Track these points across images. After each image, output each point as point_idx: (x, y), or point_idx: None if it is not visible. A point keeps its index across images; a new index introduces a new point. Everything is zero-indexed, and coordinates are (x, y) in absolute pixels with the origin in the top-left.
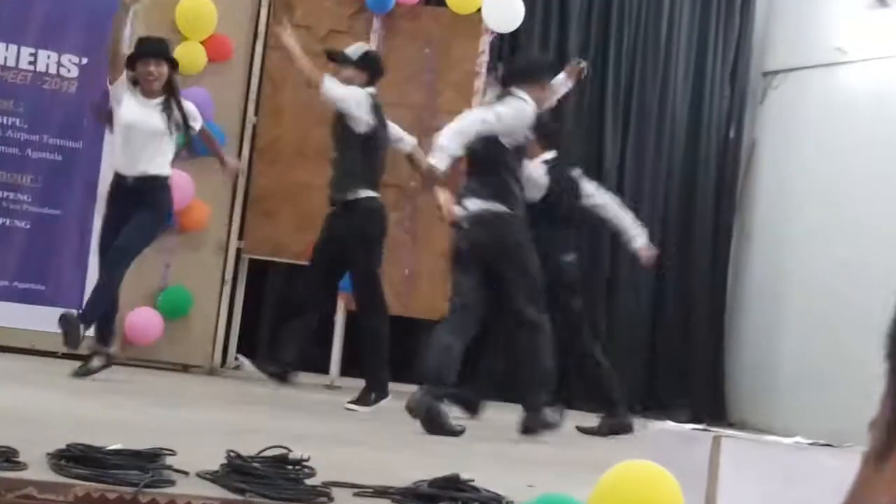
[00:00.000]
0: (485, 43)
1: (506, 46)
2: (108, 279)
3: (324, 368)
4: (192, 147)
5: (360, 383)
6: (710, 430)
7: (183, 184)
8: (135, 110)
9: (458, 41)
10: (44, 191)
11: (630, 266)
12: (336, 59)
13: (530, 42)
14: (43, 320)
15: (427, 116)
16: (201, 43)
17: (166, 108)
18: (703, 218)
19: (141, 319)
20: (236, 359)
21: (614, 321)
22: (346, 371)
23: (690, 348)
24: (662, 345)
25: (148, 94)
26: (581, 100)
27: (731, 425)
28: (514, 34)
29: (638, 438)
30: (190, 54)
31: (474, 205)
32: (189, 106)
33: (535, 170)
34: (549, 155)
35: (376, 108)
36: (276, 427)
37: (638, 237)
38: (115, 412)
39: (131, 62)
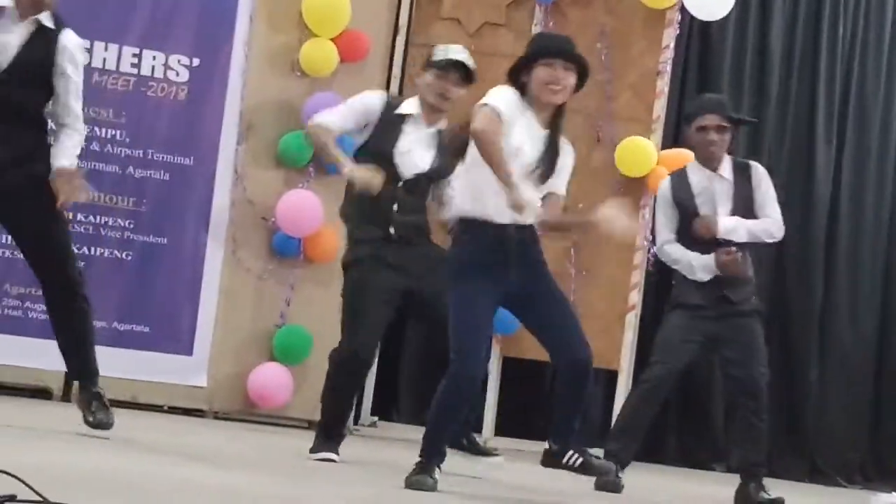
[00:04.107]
0: (669, 36)
1: (695, 41)
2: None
3: (476, 427)
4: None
5: (519, 444)
6: None
7: (310, 206)
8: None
9: (637, 34)
10: (149, 216)
11: (849, 298)
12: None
13: (724, 36)
14: (147, 368)
15: (602, 123)
16: (332, 40)
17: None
18: None
19: (267, 378)
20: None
21: (827, 364)
22: (501, 430)
23: None
24: (888, 395)
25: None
26: (786, 107)
27: None
28: (706, 27)
29: None
30: (319, 53)
31: None
32: None
33: None
34: None
35: None
36: (424, 498)
37: None
38: (233, 479)
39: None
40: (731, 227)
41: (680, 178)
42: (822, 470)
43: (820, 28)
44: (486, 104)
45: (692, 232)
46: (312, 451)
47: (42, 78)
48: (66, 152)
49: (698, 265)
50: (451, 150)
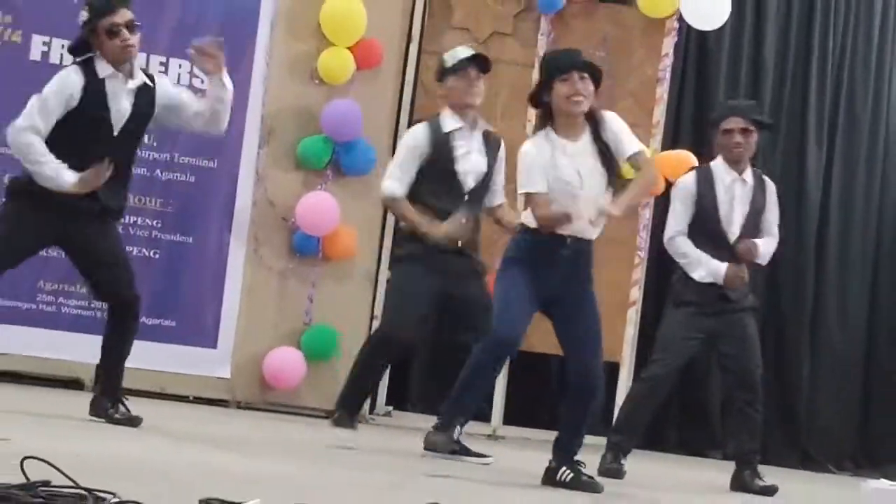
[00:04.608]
0: (669, 45)
1: (692, 50)
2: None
3: (484, 416)
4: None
5: (526, 433)
6: None
7: (328, 206)
8: None
9: (637, 43)
10: (175, 216)
11: (838, 298)
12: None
13: (720, 45)
14: (174, 360)
15: None
16: (348, 49)
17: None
18: None
19: (282, 360)
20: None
21: (819, 363)
22: (510, 420)
23: None
24: (876, 391)
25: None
26: (778, 113)
27: None
28: (703, 37)
29: (849, 499)
30: (336, 61)
31: None
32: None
33: None
34: None
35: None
36: (433, 482)
37: None
38: (254, 464)
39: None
40: (765, 253)
41: (705, 174)
42: (813, 458)
43: (811, 38)
44: (530, 193)
45: (736, 252)
46: (336, 422)
47: (144, 130)
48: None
49: (707, 268)
50: None
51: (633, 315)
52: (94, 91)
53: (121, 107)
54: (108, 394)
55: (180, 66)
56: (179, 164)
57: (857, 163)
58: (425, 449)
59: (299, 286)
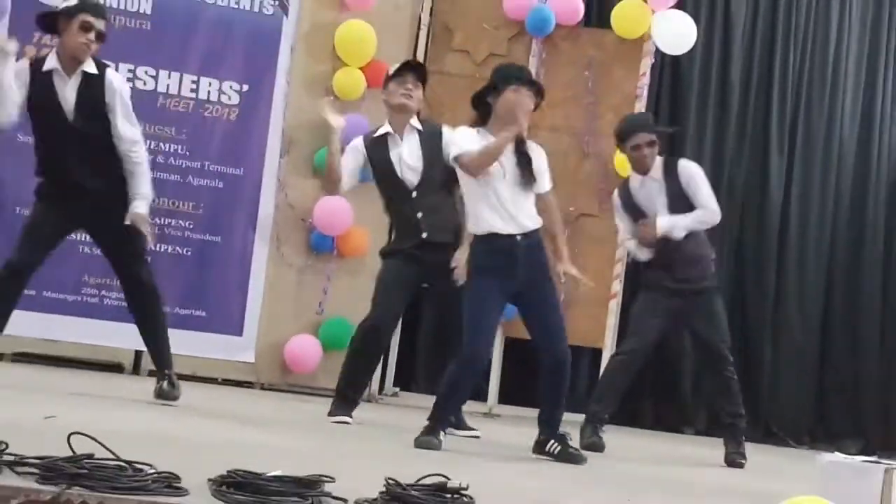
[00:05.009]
0: (646, 65)
1: (667, 70)
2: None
3: (482, 396)
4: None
5: (519, 411)
6: (882, 463)
7: (342, 209)
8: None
9: (618, 64)
10: (205, 218)
11: (797, 289)
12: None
13: (692, 66)
14: (204, 347)
15: (589, 139)
16: (360, 69)
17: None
18: (874, 247)
19: (301, 347)
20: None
21: (780, 350)
22: (504, 399)
23: (861, 377)
24: (830, 375)
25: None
26: (744, 125)
27: None
28: (676, 57)
29: (807, 470)
30: (349, 80)
31: None
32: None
33: None
34: None
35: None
36: (436, 455)
37: None
38: (276, 439)
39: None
40: (668, 226)
41: (624, 188)
42: (774, 433)
43: (773, 60)
44: (459, 154)
45: (639, 235)
46: (330, 414)
47: (100, 113)
48: (137, 197)
49: (636, 249)
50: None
51: (614, 306)
52: (41, 82)
53: (66, 96)
54: (156, 363)
55: (210, 84)
56: (209, 171)
57: (814, 169)
58: (416, 447)
59: (316, 280)
